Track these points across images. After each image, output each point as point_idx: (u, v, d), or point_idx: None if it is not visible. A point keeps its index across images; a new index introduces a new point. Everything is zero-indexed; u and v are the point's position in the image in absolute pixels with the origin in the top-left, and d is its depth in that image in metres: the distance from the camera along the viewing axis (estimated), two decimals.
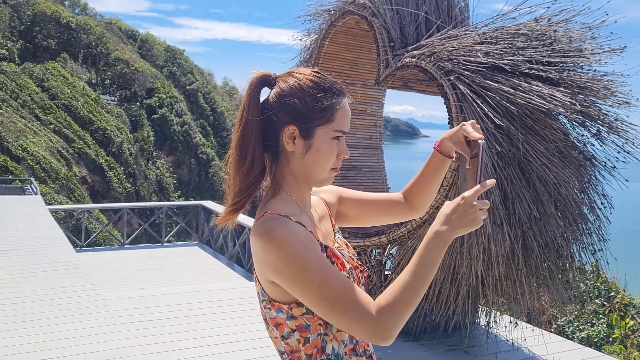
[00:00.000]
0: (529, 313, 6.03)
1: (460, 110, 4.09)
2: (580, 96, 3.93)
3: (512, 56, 4.03)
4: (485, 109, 3.92)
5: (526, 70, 3.97)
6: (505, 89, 3.92)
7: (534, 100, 3.78)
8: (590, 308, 7.46)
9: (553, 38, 4.09)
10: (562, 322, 7.34)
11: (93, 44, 42.29)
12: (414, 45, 4.72)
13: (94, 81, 42.68)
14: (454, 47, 4.28)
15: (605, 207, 4.16)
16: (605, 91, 3.95)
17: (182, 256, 8.42)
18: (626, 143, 3.93)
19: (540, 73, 3.95)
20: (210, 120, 47.45)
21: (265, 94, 1.36)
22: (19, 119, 30.72)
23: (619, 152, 3.96)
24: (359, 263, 1.45)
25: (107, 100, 41.13)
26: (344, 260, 1.37)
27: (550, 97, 3.76)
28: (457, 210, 1.21)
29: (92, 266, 7.11)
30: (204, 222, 9.57)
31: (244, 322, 4.84)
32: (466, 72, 4.11)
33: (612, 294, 7.53)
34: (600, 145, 4.04)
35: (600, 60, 4.07)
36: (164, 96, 43.22)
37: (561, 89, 3.85)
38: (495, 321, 4.67)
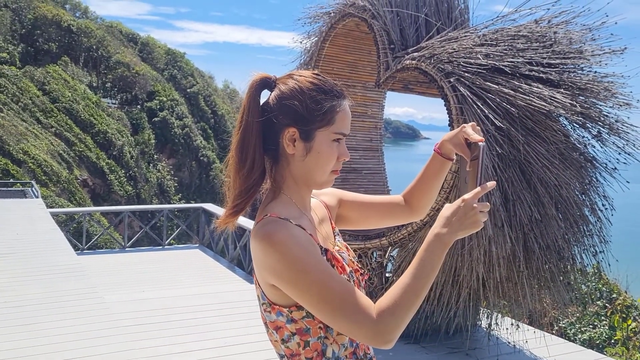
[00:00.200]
0: (531, 315, 6.02)
1: (461, 112, 4.09)
2: (581, 98, 3.92)
3: (512, 58, 4.02)
4: (486, 111, 3.92)
5: (526, 72, 3.97)
6: (506, 90, 3.92)
7: (535, 102, 3.78)
8: (592, 310, 7.44)
9: (553, 40, 4.09)
10: (564, 324, 7.32)
11: (94, 47, 42.34)
12: (414, 47, 4.72)
13: (95, 84, 42.70)
14: (454, 49, 4.28)
15: (606, 208, 4.16)
16: (605, 93, 3.94)
17: (183, 259, 8.42)
18: (627, 144, 3.92)
19: (541, 75, 3.94)
20: (211, 123, 47.47)
21: (265, 96, 1.36)
22: (20, 122, 30.75)
23: (619, 153, 3.95)
24: (360, 266, 1.45)
25: (108, 103, 41.15)
26: (344, 263, 1.37)
27: (550, 99, 3.75)
28: (457, 212, 1.21)
29: (93, 269, 7.11)
30: (205, 224, 9.57)
31: (245, 324, 4.83)
32: (466, 74, 4.10)
33: (614, 295, 7.51)
34: (601, 147, 4.03)
35: (600, 61, 4.06)
36: (164, 99, 43.24)
37: (562, 90, 3.85)
38: (497, 323, 4.66)
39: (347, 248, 1.48)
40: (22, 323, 4.44)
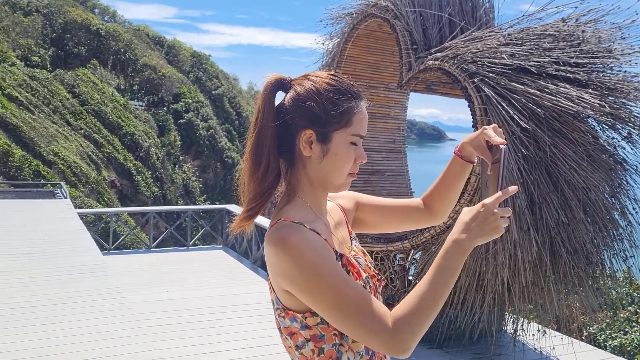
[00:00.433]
0: (559, 320, 5.88)
1: (485, 113, 4.01)
2: (610, 98, 3.81)
3: (538, 57, 3.93)
4: (511, 112, 3.84)
5: (553, 72, 3.87)
6: (532, 91, 3.83)
7: (562, 103, 3.68)
8: (623, 316, 7.23)
9: (581, 38, 3.98)
10: (593, 330, 7.13)
11: (122, 50, 43.11)
12: (437, 48, 4.65)
13: (122, 87, 43.48)
14: (478, 48, 4.20)
15: (637, 212, 4.03)
16: (636, 93, 3.82)
17: (207, 260, 8.47)
18: None
19: (568, 74, 3.84)
20: (235, 124, 47.87)
21: (279, 97, 1.33)
22: (50, 125, 31.46)
23: None
24: (376, 272, 1.41)
25: (135, 105, 41.84)
26: (360, 268, 1.33)
27: (578, 99, 3.65)
28: (477, 218, 1.16)
29: (119, 269, 7.20)
30: (228, 225, 9.63)
31: (268, 327, 4.81)
32: (491, 74, 4.02)
33: None
34: (632, 148, 3.91)
35: (630, 60, 3.94)
36: (190, 101, 43.77)
37: (590, 90, 3.74)
38: (523, 329, 4.56)
39: (363, 253, 1.44)
40: (46, 322, 4.51)
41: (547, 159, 3.84)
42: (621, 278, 7.01)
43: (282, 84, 1.31)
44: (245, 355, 4.36)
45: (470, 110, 4.16)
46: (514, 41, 4.14)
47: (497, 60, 4.04)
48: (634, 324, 6.95)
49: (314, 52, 6.13)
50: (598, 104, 3.62)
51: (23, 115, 29.42)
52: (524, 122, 3.79)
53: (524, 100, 3.85)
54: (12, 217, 9.08)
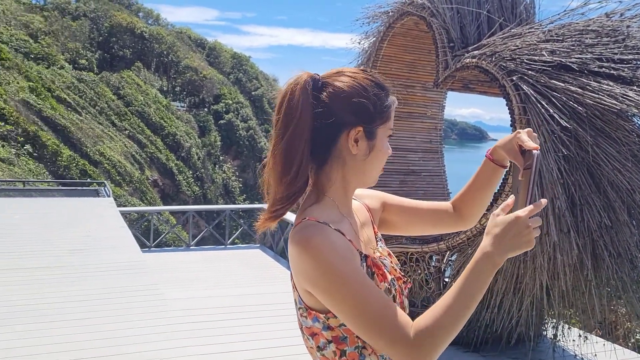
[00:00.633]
0: (603, 326, 5.67)
1: (524, 112, 3.90)
2: None
3: (580, 54, 3.80)
4: (551, 110, 3.72)
5: (596, 69, 3.73)
6: (573, 88, 3.70)
7: (604, 101, 3.54)
8: None
9: (626, 34, 3.82)
10: None
11: (165, 52, 44.14)
12: (475, 45, 4.56)
13: (165, 88, 44.50)
14: (517, 45, 4.09)
15: None
16: None
17: (244, 259, 8.55)
18: None
19: (612, 71, 3.69)
20: None
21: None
22: (97, 125, 32.51)
23: None
24: (402, 274, 1.37)
25: (177, 106, 42.77)
26: (385, 270, 1.29)
27: (622, 97, 3.51)
28: (510, 231, 1.09)
29: (158, 266, 7.35)
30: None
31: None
32: (530, 72, 3.91)
33: None
34: None
35: None
36: (230, 102, 44.42)
37: (635, 87, 3.59)
38: (563, 334, 4.41)
39: (389, 254, 1.41)
40: (84, 317, 4.65)
41: (589, 159, 3.70)
42: None
43: (315, 81, 1.25)
44: (280, 354, 4.37)
45: (509, 109, 4.06)
46: (555, 37, 4.02)
47: (536, 58, 3.92)
48: None
49: (349, 51, 6.10)
50: None
51: (71, 117, 30.51)
52: (565, 121, 3.66)
53: (564, 99, 3.73)
54: (59, 214, 9.41)
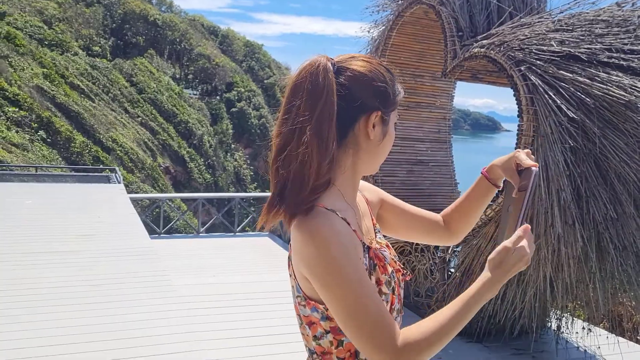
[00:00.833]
0: (609, 319, 5.64)
1: (531, 103, 3.87)
2: None
3: (589, 44, 3.75)
4: (558, 101, 3.69)
5: (605, 59, 3.68)
6: (581, 79, 3.66)
7: (613, 92, 3.50)
8: None
9: (637, 24, 3.76)
10: None
11: (177, 40, 44.17)
12: (484, 35, 4.52)
13: (177, 76, 44.60)
14: (526, 35, 4.05)
15: None
16: None
17: (252, 246, 8.61)
18: None
19: (621, 62, 3.65)
20: None
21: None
22: (109, 112, 32.72)
23: None
24: (401, 266, 1.36)
25: (190, 94, 42.88)
26: (385, 262, 1.29)
27: (631, 88, 3.46)
28: (507, 261, 1.13)
29: (167, 253, 7.43)
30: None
31: None
32: (538, 62, 3.88)
33: None
34: None
35: None
36: (242, 90, 44.45)
37: None
38: (567, 326, 4.40)
39: (387, 246, 1.40)
40: (93, 301, 4.71)
41: (596, 150, 3.67)
42: None
43: (332, 64, 1.21)
44: (287, 340, 4.40)
45: (516, 99, 4.03)
46: (564, 27, 3.97)
47: (545, 48, 3.89)
48: None
49: (359, 40, 6.08)
50: None
51: (84, 103, 30.73)
52: (572, 112, 3.63)
53: (572, 89, 3.69)
54: (69, 200, 9.52)
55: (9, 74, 26.73)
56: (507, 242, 1.14)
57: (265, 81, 48.61)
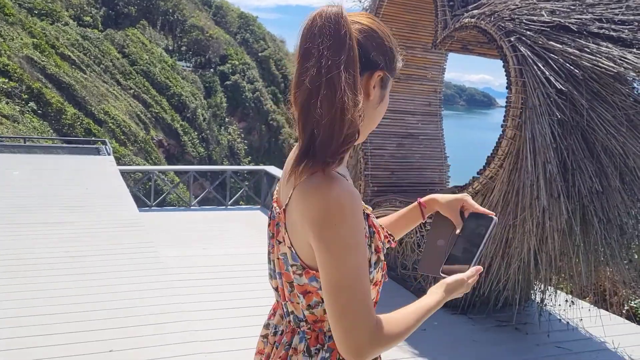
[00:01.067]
0: (596, 293, 5.68)
1: (520, 74, 3.82)
2: None
3: (580, 14, 3.69)
4: (547, 73, 3.64)
5: (595, 30, 3.63)
6: (570, 50, 3.61)
7: (602, 63, 3.46)
8: None
9: None
10: (635, 304, 6.88)
11: (170, 11, 43.42)
12: (475, 5, 4.43)
13: (170, 48, 43.98)
14: (517, 5, 3.98)
15: None
16: None
17: (244, 220, 8.59)
18: None
19: (612, 33, 3.59)
20: (281, 87, 47.80)
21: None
22: (101, 84, 32.31)
23: None
24: (388, 232, 1.36)
25: (183, 66, 42.33)
26: (379, 229, 1.27)
27: (620, 59, 3.42)
28: (457, 289, 1.24)
29: (156, 225, 7.41)
30: (267, 186, 9.70)
31: None
32: (528, 33, 3.82)
33: None
34: None
35: None
36: (236, 63, 43.92)
37: (634, 50, 3.49)
38: (550, 299, 4.44)
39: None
40: (82, 272, 4.70)
41: (583, 123, 3.64)
42: None
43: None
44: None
45: (505, 71, 3.98)
46: None
47: (535, 18, 3.82)
48: None
49: (350, 10, 5.96)
50: None
51: (75, 74, 30.30)
52: (560, 84, 3.59)
53: (561, 61, 3.64)
54: (58, 171, 9.44)
55: None
56: (464, 275, 1.24)
57: (260, 54, 48.05)
